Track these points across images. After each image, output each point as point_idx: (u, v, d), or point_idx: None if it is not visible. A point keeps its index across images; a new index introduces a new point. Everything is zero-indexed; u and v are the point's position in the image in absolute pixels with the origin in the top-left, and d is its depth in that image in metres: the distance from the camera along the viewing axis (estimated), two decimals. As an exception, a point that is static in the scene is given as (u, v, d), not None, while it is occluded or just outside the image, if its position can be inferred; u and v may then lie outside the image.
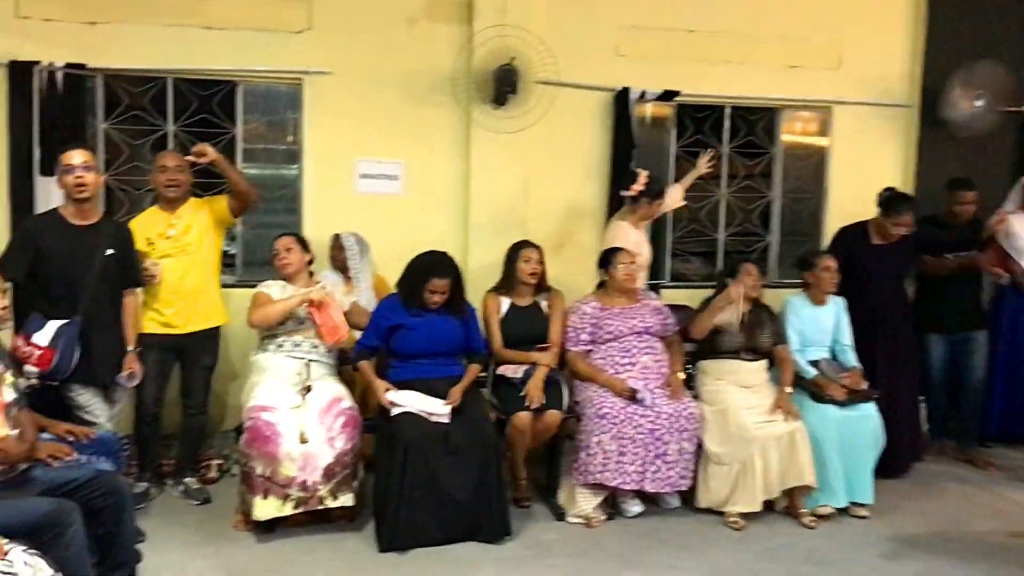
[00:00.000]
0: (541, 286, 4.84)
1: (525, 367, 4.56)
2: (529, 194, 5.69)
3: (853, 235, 5.28)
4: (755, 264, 4.94)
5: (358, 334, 4.59)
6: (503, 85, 5.28)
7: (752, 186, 6.38)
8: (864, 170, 6.18)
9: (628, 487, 4.41)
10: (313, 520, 4.21)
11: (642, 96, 5.84)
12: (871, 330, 5.06)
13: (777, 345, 4.78)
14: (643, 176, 5.07)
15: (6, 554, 2.64)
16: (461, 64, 5.42)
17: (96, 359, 4.06)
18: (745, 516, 4.45)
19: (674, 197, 5.39)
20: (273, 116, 5.72)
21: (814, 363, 4.80)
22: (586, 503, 4.43)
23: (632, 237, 5.02)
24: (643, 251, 5.12)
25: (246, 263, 5.64)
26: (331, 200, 5.53)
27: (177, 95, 5.43)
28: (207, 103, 5.52)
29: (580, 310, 4.73)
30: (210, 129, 5.48)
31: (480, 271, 5.23)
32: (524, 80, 5.31)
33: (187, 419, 4.66)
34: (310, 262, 4.65)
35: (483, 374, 4.65)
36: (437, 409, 4.17)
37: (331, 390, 4.34)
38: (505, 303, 4.79)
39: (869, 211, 5.28)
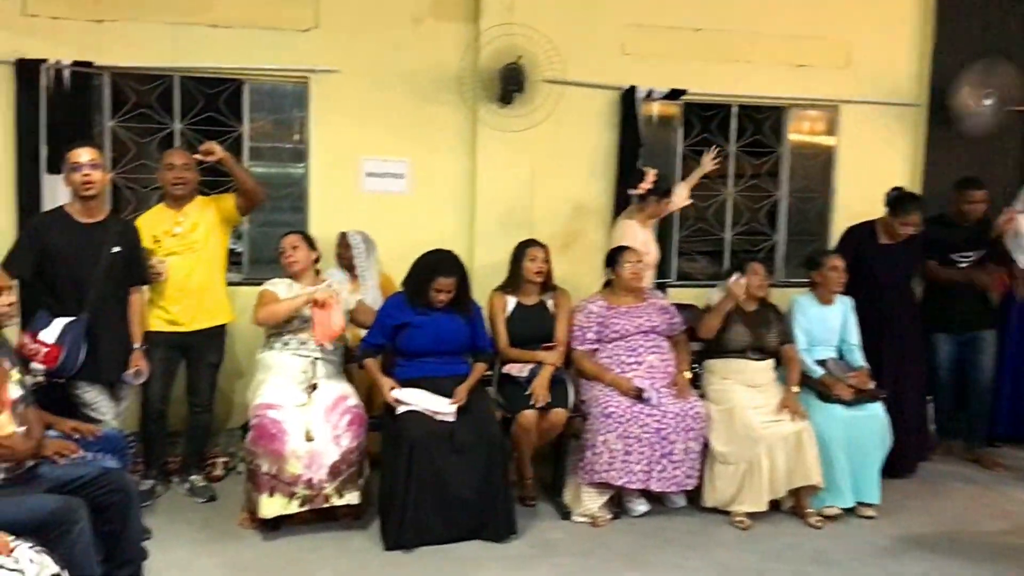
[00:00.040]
0: (547, 285, 4.83)
1: (531, 366, 4.56)
2: (535, 193, 5.68)
3: (861, 234, 5.26)
4: (762, 263, 4.93)
5: (364, 333, 4.59)
6: (509, 84, 5.27)
7: (759, 185, 6.36)
8: (872, 169, 6.16)
9: (634, 486, 4.40)
10: (318, 518, 4.21)
11: (649, 95, 5.83)
12: (878, 330, 5.05)
13: (784, 344, 4.77)
14: (651, 175, 5.06)
15: (12, 551, 2.64)
16: (467, 63, 5.41)
17: (102, 357, 4.07)
18: (751, 516, 4.44)
19: (680, 196, 5.37)
20: (279, 114, 5.72)
21: (821, 363, 4.79)
22: (592, 502, 4.42)
23: (640, 236, 5.02)
24: (651, 250, 5.11)
25: (252, 261, 5.64)
26: (337, 198, 5.53)
27: (184, 93, 5.43)
28: (213, 101, 5.53)
29: (586, 309, 4.72)
30: (216, 127, 5.48)
31: (486, 270, 5.23)
32: (530, 79, 5.31)
33: (193, 417, 4.66)
34: (316, 260, 4.65)
35: (489, 373, 4.65)
36: (443, 408, 4.17)
37: (337, 388, 4.35)
38: (511, 302, 4.79)
39: (876, 210, 5.27)
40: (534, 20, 5.28)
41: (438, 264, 4.38)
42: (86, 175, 4.02)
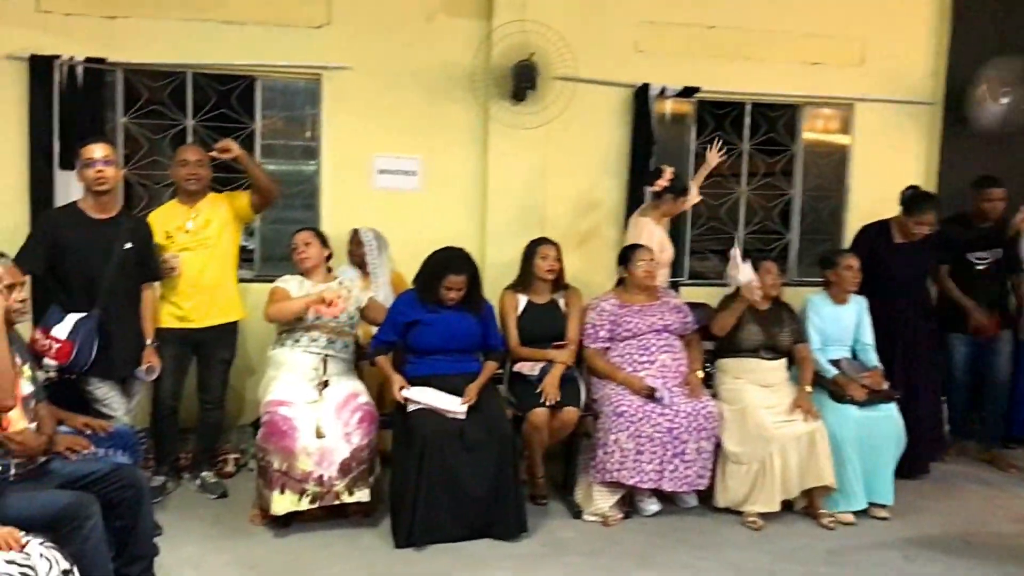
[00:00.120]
0: (559, 283, 4.81)
1: (542, 364, 4.54)
2: (547, 191, 5.67)
3: (875, 234, 5.22)
4: (775, 262, 4.91)
5: (375, 330, 4.59)
6: (522, 81, 5.25)
7: (772, 184, 6.33)
8: (886, 168, 6.12)
9: (645, 486, 4.38)
10: (329, 515, 4.20)
11: (662, 92, 5.80)
12: (892, 330, 5.02)
13: (797, 344, 4.74)
14: (668, 172, 5.04)
15: (24, 547, 2.64)
16: (480, 60, 5.39)
17: (114, 353, 4.08)
18: (763, 516, 4.42)
19: (690, 194, 5.34)
20: (291, 112, 5.72)
21: (835, 362, 4.76)
22: (603, 501, 4.41)
23: (656, 234, 5.00)
24: (666, 248, 5.09)
25: (264, 258, 5.65)
26: (349, 196, 5.53)
27: (196, 90, 5.44)
28: (226, 98, 5.53)
29: (599, 307, 4.70)
30: (229, 124, 5.48)
31: (498, 268, 5.21)
32: (543, 76, 5.28)
33: (204, 414, 4.67)
34: (328, 257, 4.64)
35: (500, 371, 4.63)
36: (453, 407, 4.16)
37: (348, 386, 4.34)
38: (522, 300, 4.77)
39: (891, 210, 5.23)
40: (546, 17, 5.26)
41: (449, 262, 4.37)
42: (99, 171, 4.03)
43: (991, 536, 4.42)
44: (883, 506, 4.57)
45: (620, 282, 4.82)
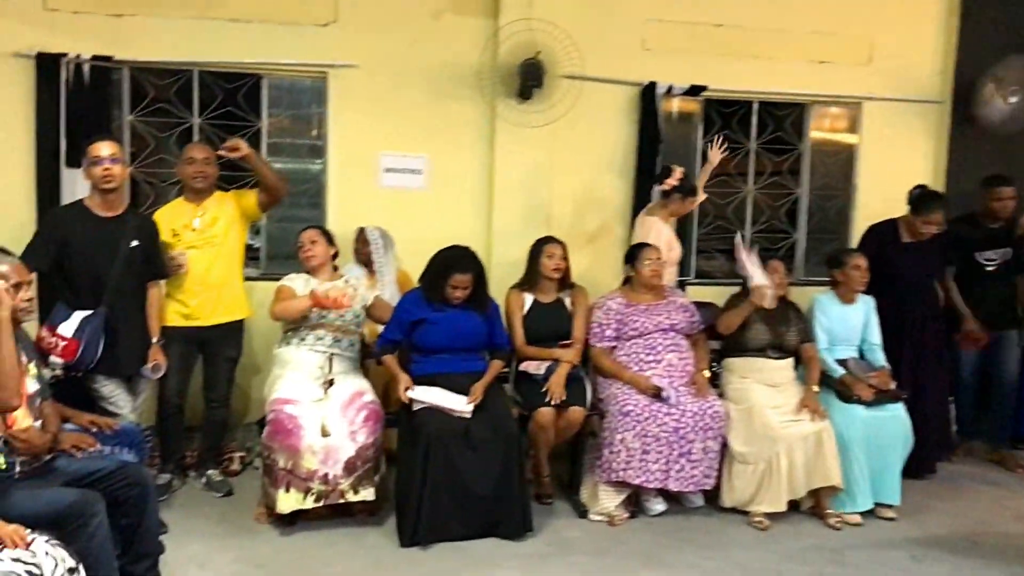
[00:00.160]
0: (565, 282, 4.80)
1: (548, 363, 4.53)
2: (554, 189, 5.66)
3: (883, 233, 5.20)
4: (782, 261, 4.90)
5: (381, 328, 4.58)
6: (528, 79, 5.24)
7: (779, 183, 6.31)
8: (894, 167, 6.10)
9: (651, 485, 4.37)
10: (335, 514, 4.20)
11: (669, 91, 5.79)
12: (899, 329, 4.99)
13: (804, 343, 4.72)
14: (678, 172, 5.03)
15: (30, 544, 2.64)
16: (486, 58, 5.38)
17: (120, 350, 4.08)
18: (770, 516, 4.41)
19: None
20: (298, 110, 5.71)
21: (842, 362, 4.74)
22: (609, 501, 4.39)
23: (665, 233, 4.99)
24: (675, 247, 5.08)
25: (270, 257, 5.65)
26: (355, 194, 5.52)
27: (202, 88, 5.44)
28: (232, 96, 5.52)
29: (605, 306, 4.69)
30: (235, 122, 5.48)
31: (504, 266, 5.21)
32: (549, 74, 5.28)
33: (210, 412, 4.67)
34: (335, 256, 4.64)
35: (505, 370, 4.62)
36: (459, 406, 4.15)
37: (353, 384, 4.34)
38: (528, 299, 4.76)
39: (898, 209, 5.21)
40: (553, 15, 5.24)
41: (455, 260, 4.37)
42: (106, 169, 4.03)
43: (999, 537, 4.39)
44: (890, 506, 4.55)
45: (627, 281, 4.80)
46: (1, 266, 3.07)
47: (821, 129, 6.34)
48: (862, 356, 4.86)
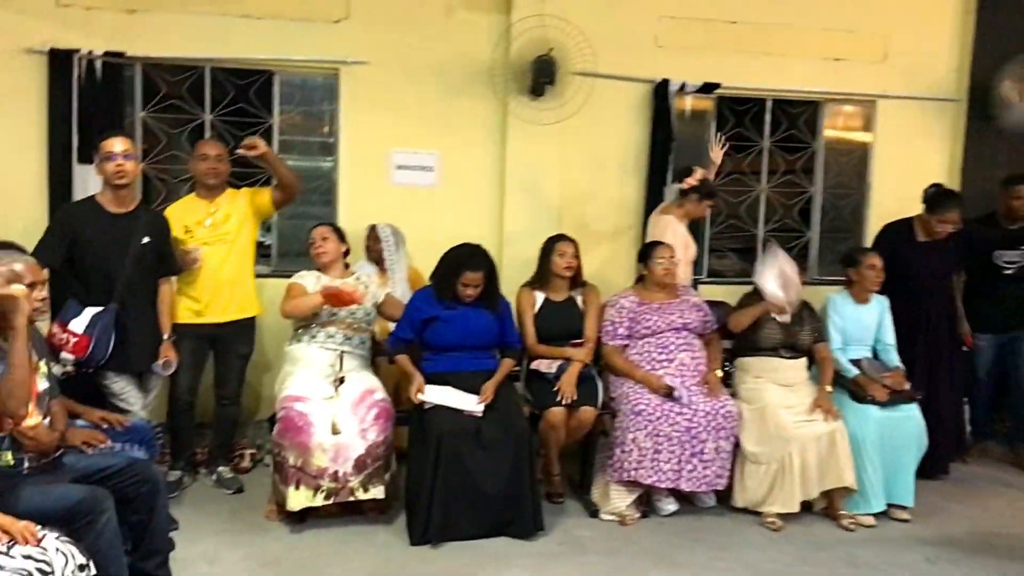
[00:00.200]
0: (576, 281, 4.78)
1: (559, 362, 4.51)
2: (565, 187, 5.64)
3: (898, 232, 5.16)
4: (795, 260, 4.85)
5: (392, 326, 4.57)
6: (541, 76, 5.22)
7: (793, 181, 6.27)
8: (908, 166, 6.06)
9: (663, 485, 4.34)
10: (345, 512, 4.19)
11: (682, 88, 5.76)
12: (914, 329, 4.96)
13: (817, 343, 4.69)
14: (699, 173, 5.00)
15: (40, 540, 2.64)
16: (499, 55, 5.36)
17: (131, 347, 4.07)
18: (782, 517, 4.38)
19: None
20: (309, 107, 5.71)
21: (855, 362, 4.70)
22: (620, 500, 4.37)
23: (682, 232, 4.96)
24: (691, 246, 5.05)
25: (281, 254, 5.64)
26: (367, 191, 5.51)
27: (214, 84, 5.44)
28: (244, 93, 5.52)
29: (618, 304, 4.67)
30: (246, 119, 5.48)
31: (515, 264, 5.19)
32: (562, 71, 5.25)
33: (220, 409, 4.67)
34: (346, 253, 4.63)
35: (516, 368, 4.61)
36: (470, 405, 4.13)
37: (364, 382, 4.33)
38: (539, 298, 4.74)
39: (913, 208, 5.17)
40: (566, 12, 5.22)
41: (466, 258, 4.35)
42: (119, 165, 4.02)
43: (1014, 538, 4.35)
44: (904, 508, 4.52)
45: (640, 279, 4.78)
46: (16, 265, 3.05)
47: (835, 127, 6.30)
48: (876, 356, 4.82)
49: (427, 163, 5.59)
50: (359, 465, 4.03)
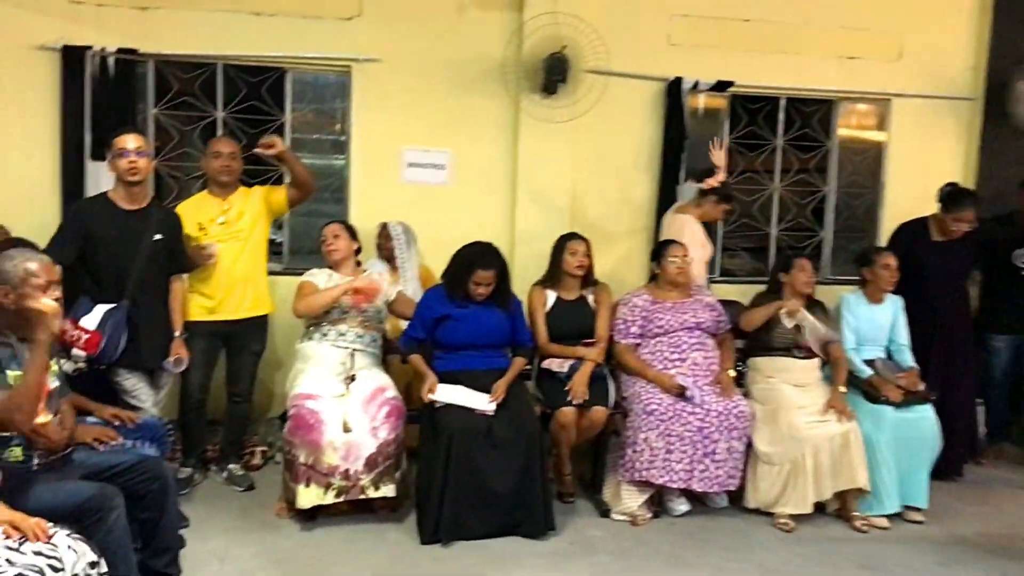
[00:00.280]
0: (588, 279, 4.75)
1: (571, 362, 4.49)
2: (577, 185, 5.62)
3: (913, 232, 5.12)
4: (808, 259, 4.82)
5: (404, 324, 4.56)
6: (553, 74, 5.20)
7: (806, 180, 6.23)
8: (923, 166, 6.02)
9: (675, 485, 4.32)
10: (355, 510, 4.19)
11: (695, 86, 5.73)
12: (928, 329, 4.92)
13: (831, 343, 4.65)
14: (721, 175, 4.97)
15: (51, 537, 2.64)
16: (511, 52, 5.34)
17: (143, 344, 4.07)
18: (795, 518, 4.35)
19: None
20: (321, 104, 5.70)
21: (869, 362, 4.67)
22: (632, 500, 4.35)
23: (699, 232, 4.93)
24: (707, 246, 5.03)
25: (293, 251, 5.65)
26: (378, 189, 5.51)
27: (226, 81, 5.44)
28: (256, 90, 5.52)
29: (631, 302, 4.64)
30: (259, 116, 5.48)
31: (527, 263, 5.17)
32: (574, 69, 5.23)
33: (232, 406, 4.67)
34: (358, 251, 4.62)
35: (528, 367, 4.59)
36: (482, 404, 4.12)
37: (375, 380, 4.32)
38: (551, 296, 4.72)
39: (928, 208, 5.13)
40: (579, 9, 5.19)
41: (478, 257, 4.33)
42: (132, 161, 4.02)
43: (1030, 541, 4.33)
44: (918, 509, 4.49)
45: (653, 278, 4.76)
46: (31, 264, 3.04)
47: (849, 126, 6.26)
48: (890, 356, 4.79)
49: (439, 161, 5.58)
50: (370, 463, 4.03)
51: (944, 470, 4.81)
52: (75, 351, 3.87)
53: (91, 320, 3.93)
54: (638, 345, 4.60)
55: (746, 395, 4.57)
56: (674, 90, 5.70)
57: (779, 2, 5.86)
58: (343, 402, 4.16)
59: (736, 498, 4.50)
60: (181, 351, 4.24)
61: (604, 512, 4.41)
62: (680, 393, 4.34)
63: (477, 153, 5.58)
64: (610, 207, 5.78)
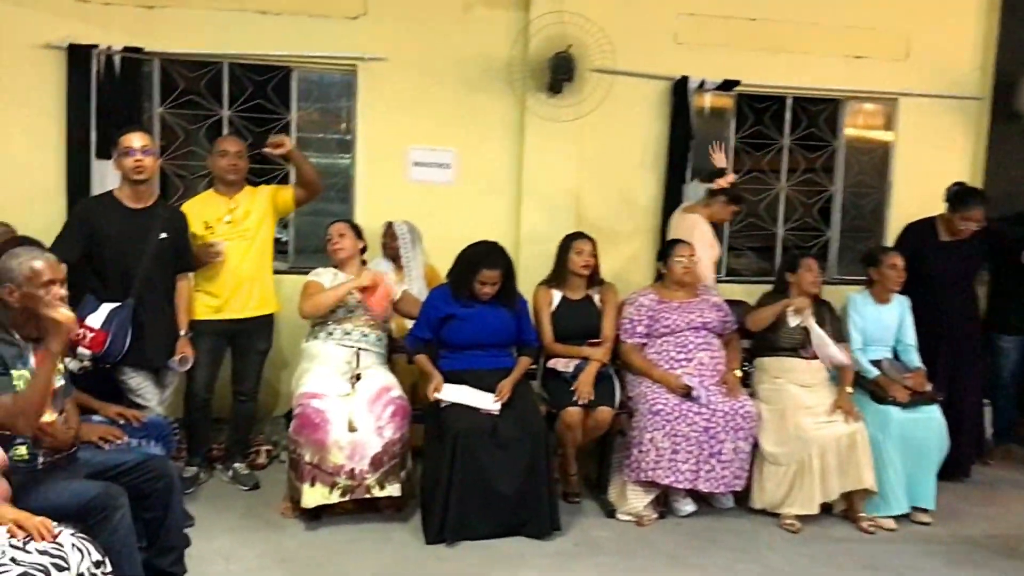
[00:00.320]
0: (594, 279, 4.74)
1: (576, 362, 4.48)
2: (583, 184, 5.61)
3: (921, 231, 5.10)
4: (815, 259, 4.81)
5: (409, 323, 4.55)
6: (559, 73, 5.19)
7: (813, 180, 6.21)
8: (930, 165, 5.99)
9: (681, 486, 4.31)
10: (360, 509, 4.18)
11: (701, 85, 5.72)
12: (935, 330, 4.89)
13: (837, 343, 4.63)
14: (731, 176, 4.96)
15: (56, 536, 2.63)
16: (517, 51, 5.33)
17: (148, 343, 4.07)
18: (801, 519, 4.33)
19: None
20: (327, 103, 5.70)
21: (876, 363, 4.65)
22: (637, 501, 4.34)
23: (707, 232, 4.92)
24: (716, 247, 5.02)
25: (298, 250, 5.65)
26: (383, 188, 5.50)
27: (232, 80, 5.44)
28: (262, 89, 5.52)
29: (637, 302, 4.63)
30: (264, 115, 5.48)
31: (532, 262, 5.16)
32: (580, 68, 5.22)
33: (237, 405, 4.67)
34: (363, 250, 4.62)
35: (533, 367, 4.58)
36: (487, 404, 4.11)
37: (381, 379, 4.31)
38: (557, 296, 4.71)
39: (935, 208, 5.11)
40: (585, 8, 5.18)
41: (483, 256, 4.33)
42: (138, 160, 4.02)
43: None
44: (925, 510, 4.47)
45: (659, 277, 4.74)
46: (36, 262, 3.04)
47: (856, 125, 6.24)
48: (897, 357, 4.77)
49: (444, 160, 5.57)
50: (375, 462, 4.02)
51: (951, 471, 4.79)
52: (80, 349, 3.87)
53: (96, 318, 3.93)
54: (644, 345, 4.59)
55: (752, 395, 4.55)
56: (680, 89, 5.68)
57: (786, 1, 5.84)
58: (348, 401, 4.16)
59: (742, 499, 4.49)
60: (187, 350, 4.24)
61: (610, 512, 4.40)
62: (686, 393, 4.33)
63: (483, 152, 5.57)
64: (616, 206, 5.77)
